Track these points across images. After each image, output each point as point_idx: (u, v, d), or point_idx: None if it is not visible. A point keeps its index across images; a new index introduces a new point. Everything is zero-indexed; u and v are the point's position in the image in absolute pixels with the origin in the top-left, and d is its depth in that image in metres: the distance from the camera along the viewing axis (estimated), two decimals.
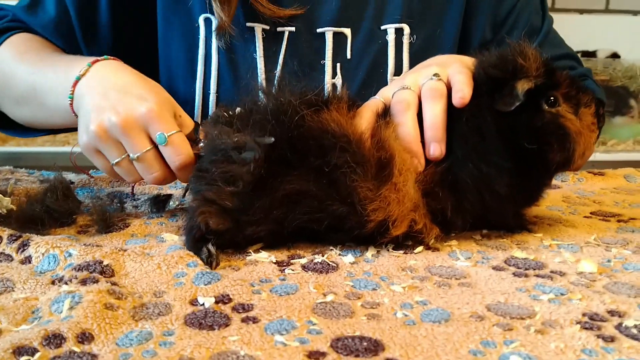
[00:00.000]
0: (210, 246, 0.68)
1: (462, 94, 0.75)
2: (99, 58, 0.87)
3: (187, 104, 1.05)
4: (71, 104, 0.85)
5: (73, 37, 1.04)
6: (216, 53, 1.02)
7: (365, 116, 0.77)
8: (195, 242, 0.69)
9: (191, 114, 1.06)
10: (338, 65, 1.05)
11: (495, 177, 0.74)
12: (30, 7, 1.04)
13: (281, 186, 0.69)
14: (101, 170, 0.83)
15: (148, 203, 0.90)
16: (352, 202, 0.70)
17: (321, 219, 0.71)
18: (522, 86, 0.72)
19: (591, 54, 3.01)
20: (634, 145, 2.78)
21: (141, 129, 0.78)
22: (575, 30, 2.96)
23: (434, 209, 0.75)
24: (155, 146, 0.78)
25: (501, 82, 0.75)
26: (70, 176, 1.03)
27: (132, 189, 0.97)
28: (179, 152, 0.78)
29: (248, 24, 1.02)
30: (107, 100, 0.79)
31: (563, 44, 1.17)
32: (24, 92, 0.94)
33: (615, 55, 2.97)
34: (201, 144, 0.81)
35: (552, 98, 0.76)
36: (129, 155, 0.78)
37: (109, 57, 0.88)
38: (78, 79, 0.84)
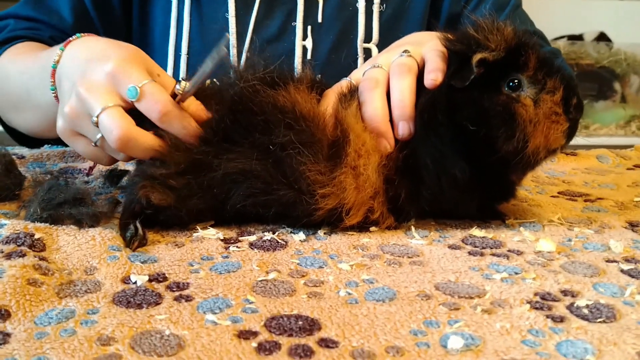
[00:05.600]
0: (137, 223, 0.63)
1: (435, 74, 0.69)
2: (71, 39, 0.79)
3: None
4: (56, 97, 0.78)
5: (90, 22, 1.03)
6: (188, 15, 1.04)
7: (330, 96, 0.73)
8: (130, 218, 0.65)
9: None
10: (309, 28, 1.05)
11: (451, 157, 0.69)
12: (36, 2, 1.04)
13: (222, 164, 0.65)
14: (85, 156, 0.74)
15: (100, 178, 0.87)
16: (299, 187, 0.66)
17: (267, 203, 0.67)
18: (476, 57, 0.66)
19: (577, 38, 2.97)
20: (616, 129, 2.77)
21: (106, 89, 0.68)
22: (561, 14, 2.94)
23: (391, 196, 0.70)
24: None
25: (463, 57, 0.69)
26: (23, 151, 0.99)
27: (90, 169, 0.92)
28: (156, 99, 0.66)
29: None
30: (74, 78, 0.71)
31: (531, 23, 1.16)
32: (19, 96, 0.88)
33: (602, 36, 2.94)
34: (177, 87, 0.67)
35: (515, 81, 0.68)
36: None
37: (82, 34, 0.81)
38: (54, 68, 0.77)
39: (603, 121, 2.81)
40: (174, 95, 0.68)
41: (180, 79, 0.68)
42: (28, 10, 1.04)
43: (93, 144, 0.70)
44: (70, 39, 0.79)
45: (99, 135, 0.68)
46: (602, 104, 2.82)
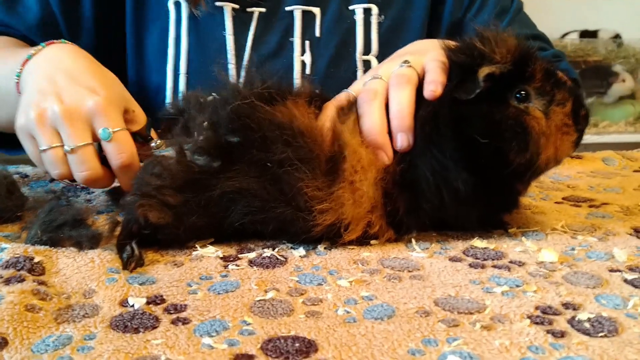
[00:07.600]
0: (134, 244, 0.64)
1: (434, 86, 0.68)
2: (55, 41, 0.83)
3: (159, 91, 1.04)
4: (17, 83, 0.80)
5: (58, 33, 1.01)
6: (186, 34, 1.02)
7: (329, 110, 0.73)
8: (127, 238, 0.65)
9: (163, 99, 1.05)
10: (307, 42, 1.04)
11: (453, 169, 0.67)
12: (9, 5, 1.01)
13: (219, 183, 0.65)
14: (30, 157, 0.78)
15: (102, 196, 0.87)
16: (297, 204, 0.65)
17: (265, 220, 0.67)
18: (483, 71, 0.65)
19: (591, 34, 2.94)
20: (626, 126, 2.74)
21: (85, 122, 0.73)
22: (569, 10, 2.91)
23: (389, 210, 0.69)
24: (95, 143, 0.74)
25: (467, 69, 0.68)
26: (27, 169, 1.00)
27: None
28: (122, 149, 0.74)
29: (217, 4, 1.01)
30: (54, 85, 0.75)
31: (533, 26, 1.15)
32: None
33: (618, 37, 2.91)
34: (153, 144, 0.78)
35: (522, 92, 0.67)
36: (63, 146, 0.73)
37: (67, 41, 0.84)
38: (29, 58, 0.80)
39: (612, 118, 2.78)
40: (145, 138, 0.78)
41: (156, 140, 0.78)
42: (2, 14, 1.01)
43: (39, 150, 0.75)
44: (54, 41, 0.83)
45: (45, 147, 0.73)
46: (610, 94, 2.77)
